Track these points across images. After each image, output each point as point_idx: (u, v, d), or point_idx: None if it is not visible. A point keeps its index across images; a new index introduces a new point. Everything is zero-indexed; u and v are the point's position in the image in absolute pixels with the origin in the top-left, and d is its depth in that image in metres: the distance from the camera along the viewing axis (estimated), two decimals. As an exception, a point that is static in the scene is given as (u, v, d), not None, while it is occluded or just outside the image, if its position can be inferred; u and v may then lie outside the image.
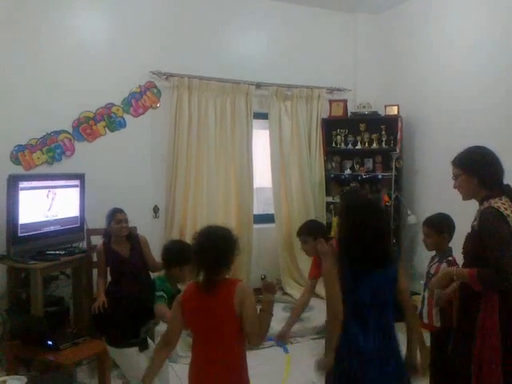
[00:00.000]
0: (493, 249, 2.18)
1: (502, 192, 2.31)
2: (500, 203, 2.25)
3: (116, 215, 3.90)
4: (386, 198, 5.16)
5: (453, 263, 2.89)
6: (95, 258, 4.12)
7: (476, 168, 2.36)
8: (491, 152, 2.39)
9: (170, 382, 3.06)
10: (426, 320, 2.97)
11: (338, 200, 5.10)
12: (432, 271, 2.97)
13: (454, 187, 2.47)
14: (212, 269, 2.15)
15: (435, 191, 4.98)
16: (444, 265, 2.90)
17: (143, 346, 2.90)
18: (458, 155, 2.46)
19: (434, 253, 3.08)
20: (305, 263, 5.24)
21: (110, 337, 2.99)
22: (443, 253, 2.97)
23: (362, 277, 2.13)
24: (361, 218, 2.15)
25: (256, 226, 5.36)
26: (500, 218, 2.21)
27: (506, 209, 2.23)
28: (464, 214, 4.44)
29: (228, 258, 2.17)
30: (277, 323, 4.52)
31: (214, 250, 2.15)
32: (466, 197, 2.46)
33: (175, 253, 2.97)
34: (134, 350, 2.86)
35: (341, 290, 2.12)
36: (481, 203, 2.35)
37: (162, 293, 2.86)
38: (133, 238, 3.98)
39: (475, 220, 2.34)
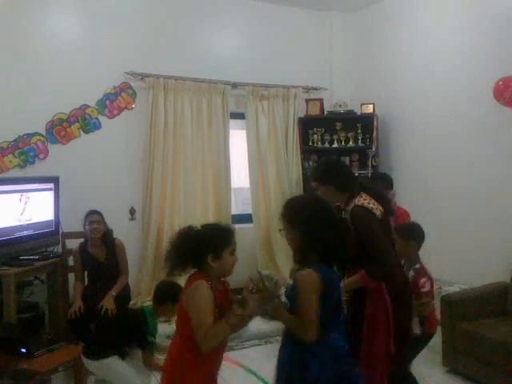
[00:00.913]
0: (370, 243, 2.40)
1: (360, 190, 2.57)
2: (362, 199, 2.50)
3: (89, 216, 3.89)
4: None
5: (421, 271, 2.87)
6: (71, 262, 4.09)
7: (328, 177, 2.65)
8: (339, 160, 2.85)
9: None
10: None
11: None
12: None
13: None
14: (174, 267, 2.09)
15: (410, 187, 5.06)
16: (411, 272, 2.86)
17: (123, 355, 2.85)
18: (313, 170, 2.87)
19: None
20: (283, 262, 5.25)
21: (86, 348, 2.94)
22: (410, 261, 2.94)
23: (337, 280, 2.11)
24: (323, 215, 2.08)
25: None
26: (367, 212, 2.45)
27: (368, 203, 2.48)
28: (439, 210, 4.52)
29: (182, 256, 2.07)
30: (255, 321, 4.57)
31: (174, 246, 2.11)
32: (331, 203, 2.67)
33: (170, 289, 2.96)
34: (114, 358, 2.79)
35: (324, 293, 2.00)
36: (346, 205, 2.58)
37: (153, 339, 2.85)
38: (108, 241, 3.94)
39: (348, 221, 2.48)
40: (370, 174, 5.15)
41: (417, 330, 2.82)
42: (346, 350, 2.05)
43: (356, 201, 2.50)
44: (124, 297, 3.94)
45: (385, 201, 2.61)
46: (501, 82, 3.95)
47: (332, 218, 2.11)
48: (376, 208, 2.49)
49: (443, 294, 3.79)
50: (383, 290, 2.46)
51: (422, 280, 2.83)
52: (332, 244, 2.02)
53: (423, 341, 2.92)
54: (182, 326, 2.07)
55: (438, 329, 3.74)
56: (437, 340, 3.72)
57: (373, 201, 2.50)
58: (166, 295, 2.94)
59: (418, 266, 2.91)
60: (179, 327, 2.12)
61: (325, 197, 2.63)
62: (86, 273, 4.01)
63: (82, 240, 4.02)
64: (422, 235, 3.01)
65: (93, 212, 3.94)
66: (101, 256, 3.92)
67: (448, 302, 3.59)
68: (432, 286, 2.91)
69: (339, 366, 2.00)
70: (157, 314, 2.98)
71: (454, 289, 3.95)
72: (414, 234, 2.99)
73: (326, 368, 1.97)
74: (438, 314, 3.24)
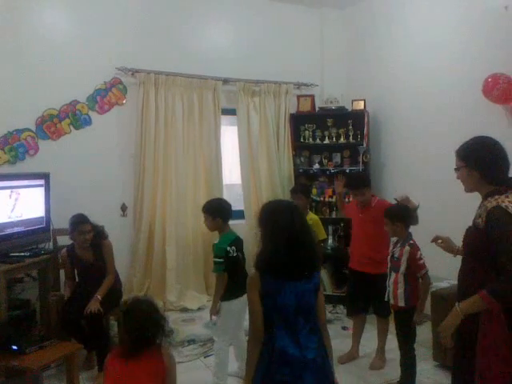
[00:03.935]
0: (504, 252, 1.97)
1: (508, 187, 2.11)
2: (507, 201, 2.03)
3: (80, 226, 3.74)
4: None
5: (415, 246, 3.19)
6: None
7: (478, 161, 2.15)
8: (498, 144, 2.17)
9: None
10: (392, 301, 3.25)
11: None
12: (396, 254, 3.23)
13: (457, 178, 2.30)
14: (143, 338, 2.20)
15: (401, 183, 5.11)
16: (407, 248, 3.17)
17: None
18: (462, 145, 2.25)
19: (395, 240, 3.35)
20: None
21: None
22: (403, 238, 3.24)
23: (286, 283, 2.06)
24: (280, 224, 2.09)
25: (226, 223, 5.35)
26: (509, 219, 1.99)
27: None
28: (426, 203, 4.55)
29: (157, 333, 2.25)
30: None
31: (148, 322, 2.22)
32: (467, 190, 2.27)
33: (220, 204, 3.46)
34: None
35: (264, 294, 2.04)
36: (485, 198, 2.14)
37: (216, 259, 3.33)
38: (96, 243, 3.85)
39: (479, 217, 2.12)
40: (361, 169, 5.18)
41: (402, 302, 3.18)
42: (295, 358, 2.01)
43: (499, 200, 2.04)
44: (116, 292, 3.93)
45: None
46: (490, 79, 3.96)
47: (287, 230, 2.08)
48: None
49: (433, 289, 3.82)
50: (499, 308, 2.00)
51: (419, 253, 3.16)
52: (275, 255, 2.06)
53: (412, 314, 3.17)
54: None
55: (429, 324, 3.80)
56: (427, 335, 3.77)
57: None
58: (218, 209, 3.36)
59: (411, 241, 3.21)
60: None
61: (463, 181, 2.24)
62: (76, 271, 3.98)
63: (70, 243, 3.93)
64: (407, 215, 3.27)
65: (82, 221, 3.75)
66: (90, 258, 3.84)
67: (438, 297, 3.62)
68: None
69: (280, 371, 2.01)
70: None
71: (444, 284, 3.98)
72: (399, 216, 3.25)
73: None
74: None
